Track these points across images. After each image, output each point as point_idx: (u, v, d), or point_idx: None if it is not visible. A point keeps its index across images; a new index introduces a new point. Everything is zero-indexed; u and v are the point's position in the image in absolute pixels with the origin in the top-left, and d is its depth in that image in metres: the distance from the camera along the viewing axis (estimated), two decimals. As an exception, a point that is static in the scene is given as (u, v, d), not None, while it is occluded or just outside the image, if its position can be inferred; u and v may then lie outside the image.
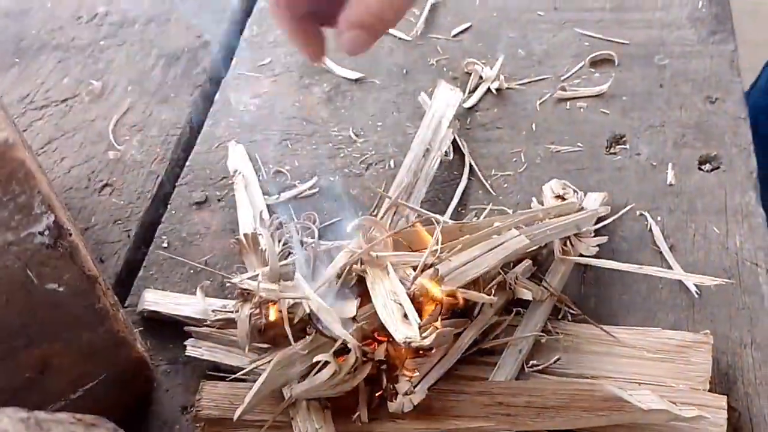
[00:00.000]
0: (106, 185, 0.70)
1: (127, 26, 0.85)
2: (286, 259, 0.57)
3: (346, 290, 0.53)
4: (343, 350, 0.50)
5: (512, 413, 0.49)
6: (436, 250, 0.53)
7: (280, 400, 0.51)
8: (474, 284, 0.52)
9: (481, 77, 0.75)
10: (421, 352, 0.51)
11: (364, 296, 0.52)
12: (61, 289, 0.43)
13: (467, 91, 0.74)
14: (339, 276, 0.53)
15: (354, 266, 0.53)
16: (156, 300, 0.60)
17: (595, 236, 0.59)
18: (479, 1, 0.83)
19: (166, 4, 0.87)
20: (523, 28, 0.80)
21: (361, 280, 0.53)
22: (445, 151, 0.66)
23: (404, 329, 0.48)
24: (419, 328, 0.48)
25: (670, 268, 0.59)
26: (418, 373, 0.51)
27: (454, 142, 0.69)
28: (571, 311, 0.57)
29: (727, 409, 0.49)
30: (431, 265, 0.51)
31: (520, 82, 0.74)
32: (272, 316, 0.52)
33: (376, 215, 0.60)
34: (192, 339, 0.56)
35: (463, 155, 0.68)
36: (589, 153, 0.68)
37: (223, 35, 0.83)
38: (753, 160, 0.65)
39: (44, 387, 0.47)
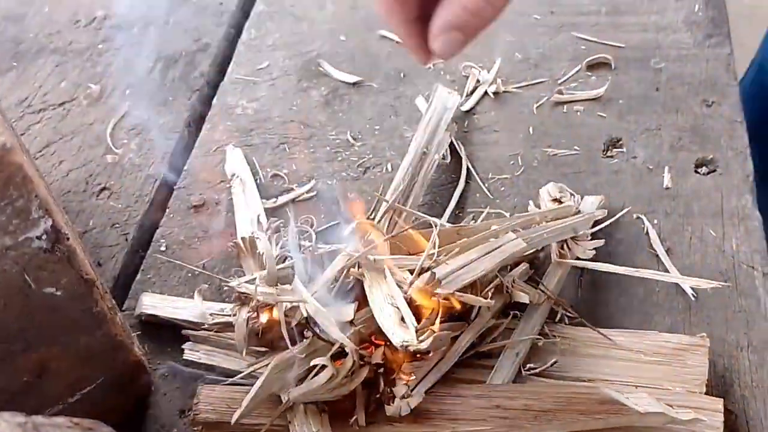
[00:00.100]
0: (103, 189, 0.70)
1: (125, 30, 0.85)
2: (283, 262, 0.56)
3: (344, 294, 0.53)
4: (341, 354, 0.50)
5: (509, 416, 0.49)
6: (434, 253, 0.53)
7: (277, 403, 0.51)
8: (471, 287, 0.52)
9: (478, 81, 0.75)
10: (418, 355, 0.51)
11: (362, 300, 0.52)
12: (58, 293, 0.43)
13: (465, 94, 0.74)
14: (336, 279, 0.53)
15: (351, 270, 0.53)
16: (154, 303, 0.60)
17: (591, 239, 0.59)
18: (476, 5, 0.83)
19: (164, 7, 0.87)
20: (520, 31, 0.80)
21: (359, 284, 0.53)
22: (443, 155, 0.66)
23: (401, 333, 0.48)
24: (416, 331, 0.48)
25: (666, 271, 0.59)
26: (415, 377, 0.51)
27: (451, 146, 0.69)
28: (568, 314, 0.57)
29: (723, 412, 0.49)
30: (428, 269, 0.51)
31: (517, 85, 0.75)
32: (269, 319, 0.53)
33: (373, 219, 0.60)
34: (190, 342, 0.56)
35: (461, 158, 0.68)
36: (585, 156, 0.68)
37: (221, 39, 0.83)
38: (749, 163, 0.65)
39: (42, 391, 0.47)
